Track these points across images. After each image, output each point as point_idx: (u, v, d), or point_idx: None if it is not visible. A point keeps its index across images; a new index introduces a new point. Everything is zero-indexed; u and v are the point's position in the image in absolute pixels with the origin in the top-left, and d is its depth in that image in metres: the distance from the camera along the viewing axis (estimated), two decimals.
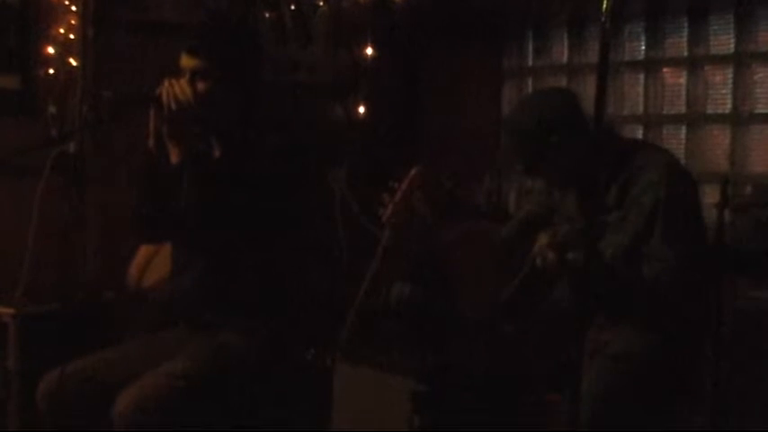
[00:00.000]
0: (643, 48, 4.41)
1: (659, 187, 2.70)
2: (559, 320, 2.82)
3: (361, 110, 4.79)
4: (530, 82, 4.89)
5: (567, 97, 2.95)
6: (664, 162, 2.78)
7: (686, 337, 2.79)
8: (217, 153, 2.81)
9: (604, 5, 2.02)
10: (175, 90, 2.65)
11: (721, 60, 4.17)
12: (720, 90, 4.18)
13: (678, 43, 4.29)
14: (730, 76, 4.14)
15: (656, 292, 2.65)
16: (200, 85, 2.70)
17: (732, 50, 4.12)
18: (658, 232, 2.68)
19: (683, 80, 4.29)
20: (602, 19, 2.04)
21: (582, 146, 2.78)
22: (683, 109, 4.30)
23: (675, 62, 4.32)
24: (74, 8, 4.15)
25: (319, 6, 4.72)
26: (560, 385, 2.58)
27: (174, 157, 2.69)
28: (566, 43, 4.73)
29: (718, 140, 4.20)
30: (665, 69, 4.37)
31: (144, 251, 2.97)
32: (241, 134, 2.78)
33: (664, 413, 2.74)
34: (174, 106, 2.64)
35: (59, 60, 4.14)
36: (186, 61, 2.72)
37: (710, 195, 3.86)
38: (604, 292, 2.52)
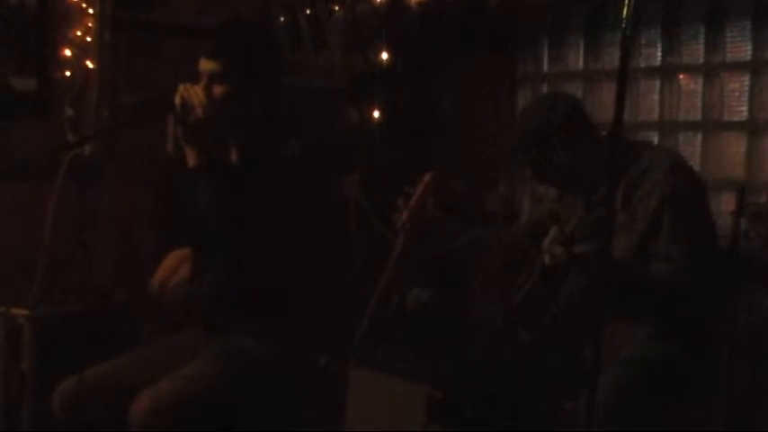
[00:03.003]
0: (659, 54, 4.38)
1: (664, 186, 2.73)
2: (573, 322, 2.81)
3: (376, 114, 4.79)
4: (545, 88, 4.87)
5: (570, 101, 3.06)
6: (669, 162, 2.82)
7: (700, 342, 2.78)
8: (234, 157, 2.81)
9: (625, 11, 2.01)
10: (190, 96, 2.65)
11: (738, 67, 4.13)
12: (737, 97, 4.16)
13: (695, 50, 4.26)
14: (747, 83, 4.11)
15: (664, 291, 2.65)
16: (218, 89, 2.70)
17: (749, 58, 4.09)
18: (665, 231, 2.71)
19: (699, 87, 4.26)
20: (623, 25, 2.04)
21: (586, 148, 2.88)
22: (698, 116, 4.27)
23: (692, 69, 4.29)
24: (91, 10, 4.16)
25: (334, 11, 4.72)
26: (576, 391, 2.56)
27: (192, 162, 2.69)
28: (581, 49, 4.71)
29: (734, 148, 4.17)
30: (681, 76, 4.34)
31: (168, 263, 2.96)
32: (258, 138, 2.78)
33: (677, 420, 2.73)
34: (188, 112, 2.64)
35: (76, 63, 4.15)
36: (204, 65, 2.72)
37: (726, 203, 3.84)
38: (614, 289, 2.51)
